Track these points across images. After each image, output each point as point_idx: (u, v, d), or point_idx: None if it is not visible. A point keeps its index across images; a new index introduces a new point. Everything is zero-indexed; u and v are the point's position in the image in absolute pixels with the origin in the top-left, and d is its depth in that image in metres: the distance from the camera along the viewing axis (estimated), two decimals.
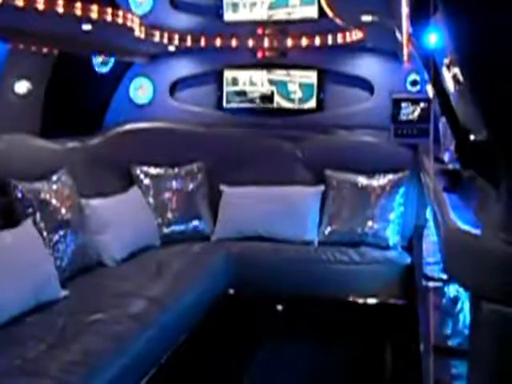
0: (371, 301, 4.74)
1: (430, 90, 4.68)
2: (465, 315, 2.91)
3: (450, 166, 2.82)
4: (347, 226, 5.06)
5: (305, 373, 4.13)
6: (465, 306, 3.16)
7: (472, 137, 2.37)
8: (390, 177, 5.13)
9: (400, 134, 5.46)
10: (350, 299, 4.74)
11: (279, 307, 4.78)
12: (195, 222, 5.27)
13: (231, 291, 4.84)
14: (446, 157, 2.92)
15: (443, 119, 3.20)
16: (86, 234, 4.25)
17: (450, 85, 2.22)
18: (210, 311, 4.33)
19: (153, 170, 5.28)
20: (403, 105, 5.46)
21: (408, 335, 3.92)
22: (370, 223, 5.02)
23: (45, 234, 3.81)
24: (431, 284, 3.72)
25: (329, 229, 5.12)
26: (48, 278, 3.54)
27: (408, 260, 4.71)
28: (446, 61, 2.03)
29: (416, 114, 5.43)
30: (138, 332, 3.28)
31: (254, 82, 5.88)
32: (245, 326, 4.60)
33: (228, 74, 5.93)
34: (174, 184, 5.29)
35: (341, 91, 5.82)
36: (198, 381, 3.96)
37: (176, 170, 5.34)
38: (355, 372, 4.17)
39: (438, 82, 2.46)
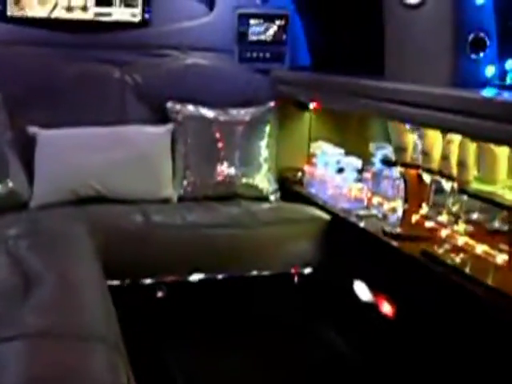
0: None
1: None
2: None
3: None
4: (206, 175, 4.03)
5: None
6: None
7: None
8: (251, 110, 4.19)
9: (248, 58, 4.51)
10: (254, 273, 3.69)
11: (160, 294, 3.52)
12: (6, 183, 3.68)
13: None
14: None
15: None
16: None
17: None
18: None
19: None
20: (252, 22, 4.48)
21: None
22: (233, 170, 4.06)
23: None
24: None
25: (186, 180, 4.01)
26: None
27: (326, 216, 3.79)
28: None
29: (270, 33, 4.50)
30: None
31: None
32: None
33: None
34: None
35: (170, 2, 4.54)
36: None
37: None
38: None
39: None
